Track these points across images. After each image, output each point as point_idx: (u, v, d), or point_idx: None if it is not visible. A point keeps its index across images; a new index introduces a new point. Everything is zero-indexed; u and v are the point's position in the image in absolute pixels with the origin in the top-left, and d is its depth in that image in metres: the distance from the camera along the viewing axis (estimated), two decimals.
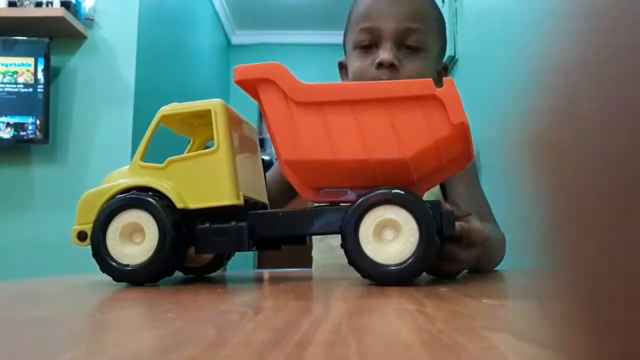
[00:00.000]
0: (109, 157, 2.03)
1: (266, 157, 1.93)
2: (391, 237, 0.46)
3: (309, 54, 4.35)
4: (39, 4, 1.96)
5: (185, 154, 0.54)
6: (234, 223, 0.50)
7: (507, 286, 0.51)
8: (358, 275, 0.46)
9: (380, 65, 0.78)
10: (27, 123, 1.90)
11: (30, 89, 1.91)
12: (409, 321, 0.26)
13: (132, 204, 0.49)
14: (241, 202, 0.50)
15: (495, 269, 0.75)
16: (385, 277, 0.45)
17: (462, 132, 0.47)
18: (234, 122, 0.54)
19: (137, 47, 2.12)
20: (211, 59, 3.69)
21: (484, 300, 0.35)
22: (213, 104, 0.52)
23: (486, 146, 1.66)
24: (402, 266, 0.45)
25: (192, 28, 3.13)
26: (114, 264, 0.49)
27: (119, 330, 0.25)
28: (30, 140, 1.92)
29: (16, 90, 1.91)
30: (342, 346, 0.19)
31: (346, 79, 0.89)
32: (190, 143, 0.61)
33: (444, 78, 0.49)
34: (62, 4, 1.95)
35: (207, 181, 0.51)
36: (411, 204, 0.45)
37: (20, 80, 1.91)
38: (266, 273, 0.74)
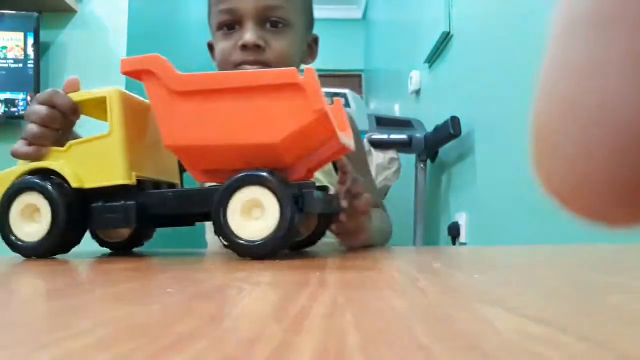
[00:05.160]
0: (98, 132, 2.02)
1: None
2: (258, 215, 0.49)
3: None
4: None
5: (83, 138, 0.59)
6: (122, 201, 0.54)
7: (497, 262, 0.51)
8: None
9: (244, 47, 0.77)
10: (17, 99, 1.88)
11: (20, 64, 1.88)
12: (403, 295, 0.27)
13: (28, 187, 0.55)
14: (133, 181, 0.54)
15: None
16: (248, 251, 0.49)
17: (323, 119, 0.49)
18: (136, 108, 0.60)
19: (128, 21, 2.08)
20: (202, 33, 3.64)
21: (476, 276, 0.36)
22: (109, 91, 0.57)
23: (482, 124, 1.66)
24: (262, 242, 0.48)
25: (183, 2, 3.08)
26: (13, 240, 0.55)
27: (121, 304, 0.25)
28: (21, 116, 1.90)
29: (6, 66, 1.88)
30: (339, 318, 0.20)
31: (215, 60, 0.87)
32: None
33: (305, 66, 0.50)
34: None
35: (101, 162, 0.55)
36: (274, 184, 0.48)
37: (10, 55, 1.88)
38: None
